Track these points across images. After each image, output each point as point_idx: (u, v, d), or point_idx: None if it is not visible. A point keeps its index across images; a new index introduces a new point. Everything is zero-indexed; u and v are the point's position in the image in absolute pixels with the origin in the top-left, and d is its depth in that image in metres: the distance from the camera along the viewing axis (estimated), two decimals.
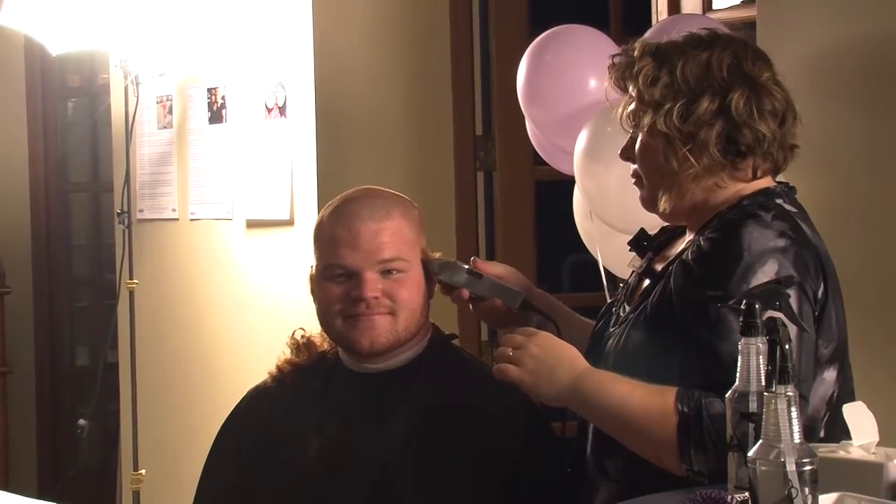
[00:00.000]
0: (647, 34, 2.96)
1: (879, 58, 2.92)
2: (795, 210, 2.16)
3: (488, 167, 4.52)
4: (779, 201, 2.15)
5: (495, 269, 2.52)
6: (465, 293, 2.48)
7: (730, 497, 1.75)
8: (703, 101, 2.13)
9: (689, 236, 2.24)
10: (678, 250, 2.22)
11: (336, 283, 2.41)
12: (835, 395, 2.12)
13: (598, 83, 3.17)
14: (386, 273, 2.40)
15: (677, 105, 2.14)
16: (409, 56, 4.40)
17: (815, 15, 3.05)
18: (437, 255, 2.51)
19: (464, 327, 4.08)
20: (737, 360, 1.77)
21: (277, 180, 4.26)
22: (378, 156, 4.31)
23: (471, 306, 2.54)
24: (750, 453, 1.63)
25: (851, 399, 2.07)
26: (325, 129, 4.17)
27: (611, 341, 2.23)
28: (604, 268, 3.29)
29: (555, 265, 4.92)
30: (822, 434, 2.08)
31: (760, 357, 1.73)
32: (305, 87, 4.18)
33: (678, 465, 2.01)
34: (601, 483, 2.22)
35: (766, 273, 2.02)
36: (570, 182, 3.34)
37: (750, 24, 3.37)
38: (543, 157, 3.55)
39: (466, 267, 2.48)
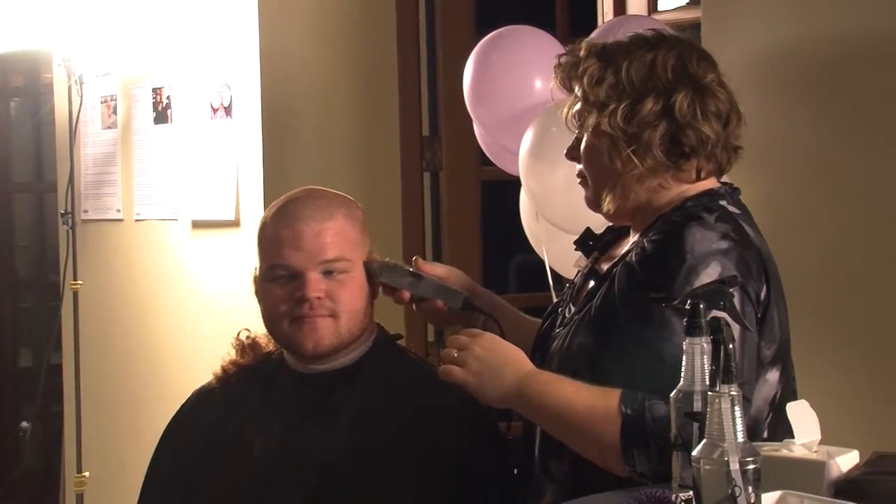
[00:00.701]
0: (593, 35, 2.97)
1: (823, 59, 2.95)
2: (739, 211, 2.16)
3: (435, 168, 4.53)
4: (722, 203, 2.15)
5: (436, 270, 2.51)
6: (406, 295, 2.47)
7: (674, 496, 1.75)
8: (648, 101, 2.13)
9: (633, 237, 2.24)
10: (623, 251, 2.22)
11: (279, 284, 2.40)
12: (777, 395, 2.12)
13: (543, 84, 3.18)
14: (328, 273, 2.39)
15: (622, 106, 2.14)
16: (355, 57, 4.39)
17: (760, 17, 3.07)
18: (387, 260, 2.50)
19: (410, 327, 4.08)
20: (680, 362, 1.78)
21: (223, 181, 4.24)
22: (324, 156, 4.31)
23: (414, 307, 2.53)
24: (694, 452, 1.64)
25: (794, 400, 2.07)
26: (271, 129, 4.16)
27: (556, 342, 2.22)
28: (550, 268, 3.30)
29: (501, 265, 4.94)
30: (765, 435, 2.08)
31: (705, 357, 1.74)
32: (251, 87, 4.16)
33: (622, 466, 2.00)
34: (546, 485, 2.20)
35: (708, 275, 2.02)
36: (516, 182, 3.35)
37: (695, 26, 3.39)
38: (490, 158, 3.55)
39: (408, 268, 2.48)
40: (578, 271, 2.37)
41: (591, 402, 2.03)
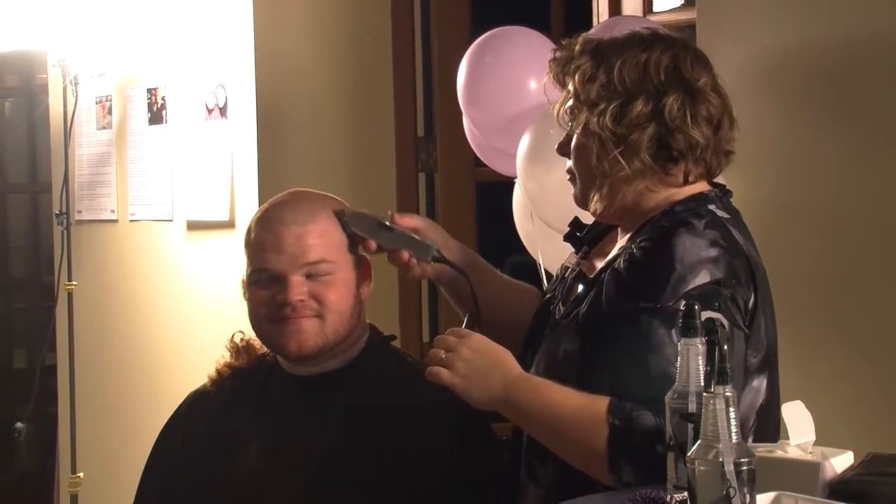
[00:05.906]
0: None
1: (819, 60, 2.95)
2: (728, 216, 2.13)
3: (429, 168, 4.52)
4: (711, 207, 2.12)
5: (410, 222, 2.46)
6: (373, 244, 2.42)
7: (669, 497, 1.75)
8: (638, 103, 2.11)
9: (621, 239, 2.22)
10: (612, 251, 2.20)
11: (262, 287, 2.40)
12: (763, 402, 2.11)
13: (537, 85, 3.18)
14: (312, 276, 2.39)
15: (611, 106, 2.11)
16: (350, 57, 4.39)
17: (754, 18, 3.07)
18: (359, 209, 2.47)
19: (404, 328, 4.08)
20: (667, 374, 1.76)
21: (218, 181, 4.24)
22: (319, 157, 4.30)
23: (387, 258, 2.47)
24: (689, 453, 1.64)
25: (779, 405, 2.06)
26: (266, 130, 4.16)
27: (543, 346, 2.21)
28: (544, 269, 3.29)
29: (496, 266, 4.92)
30: (750, 442, 2.07)
31: (700, 358, 1.74)
32: (246, 87, 4.16)
33: (607, 475, 1.99)
34: (530, 488, 2.20)
35: (697, 284, 2.02)
36: (510, 183, 3.34)
37: (690, 27, 3.39)
38: (481, 158, 3.54)
39: (381, 219, 2.43)
40: (569, 268, 2.35)
41: (578, 410, 2.01)
